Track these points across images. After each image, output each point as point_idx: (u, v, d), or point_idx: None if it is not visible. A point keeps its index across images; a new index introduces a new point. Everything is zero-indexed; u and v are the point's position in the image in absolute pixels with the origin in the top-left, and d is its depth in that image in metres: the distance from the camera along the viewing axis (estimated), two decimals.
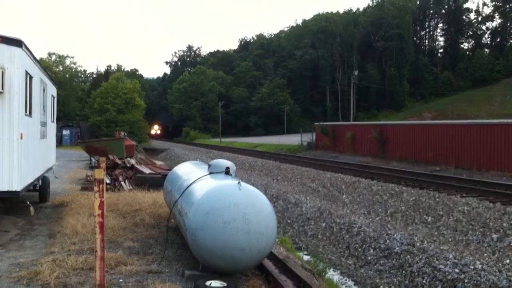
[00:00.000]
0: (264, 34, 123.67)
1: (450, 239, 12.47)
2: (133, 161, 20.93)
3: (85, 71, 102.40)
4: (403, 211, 15.63)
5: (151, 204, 12.40)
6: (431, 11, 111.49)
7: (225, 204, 6.45)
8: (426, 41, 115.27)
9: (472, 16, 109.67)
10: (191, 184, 7.88)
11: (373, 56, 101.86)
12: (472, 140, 24.59)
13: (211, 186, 6.98)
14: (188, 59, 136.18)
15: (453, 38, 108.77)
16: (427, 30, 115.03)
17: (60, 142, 50.08)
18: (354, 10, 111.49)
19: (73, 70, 78.86)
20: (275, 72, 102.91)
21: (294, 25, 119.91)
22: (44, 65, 17.53)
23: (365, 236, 13.86)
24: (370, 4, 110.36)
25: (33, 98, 10.97)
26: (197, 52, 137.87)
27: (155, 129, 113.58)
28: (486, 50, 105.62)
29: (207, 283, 6.15)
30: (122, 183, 16.94)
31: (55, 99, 16.75)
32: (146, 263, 7.55)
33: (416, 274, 11.01)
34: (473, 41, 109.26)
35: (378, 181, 20.67)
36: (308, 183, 23.11)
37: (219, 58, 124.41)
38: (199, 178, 7.94)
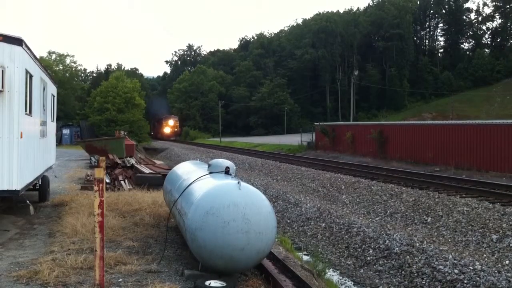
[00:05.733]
0: (264, 34, 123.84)
1: (449, 240, 12.47)
2: (133, 160, 20.92)
3: (85, 70, 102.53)
4: (402, 211, 15.63)
5: (150, 204, 12.40)
6: (431, 11, 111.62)
7: (225, 204, 6.45)
8: (426, 41, 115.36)
9: (473, 16, 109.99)
10: (190, 183, 7.88)
11: (373, 56, 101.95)
12: (472, 141, 24.59)
13: (210, 186, 6.98)
14: (188, 58, 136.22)
15: (453, 38, 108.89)
16: (427, 30, 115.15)
17: (60, 141, 50.11)
18: (355, 9, 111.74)
19: (73, 69, 78.84)
20: (275, 72, 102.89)
21: (295, 24, 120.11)
22: (44, 64, 17.51)
23: (364, 236, 13.87)
24: (371, 4, 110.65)
25: (33, 97, 10.96)
26: (197, 51, 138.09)
27: (171, 126, 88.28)
28: (486, 50, 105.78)
29: (207, 283, 6.16)
30: (122, 182, 16.94)
31: (55, 98, 16.74)
32: (145, 262, 7.55)
33: (415, 274, 11.01)
34: (473, 41, 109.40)
35: (378, 181, 20.67)
36: (308, 183, 23.11)
37: (219, 58, 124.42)
38: (198, 178, 7.94)
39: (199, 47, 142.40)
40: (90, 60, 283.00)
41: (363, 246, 13.42)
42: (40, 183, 13.38)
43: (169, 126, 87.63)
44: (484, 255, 10.98)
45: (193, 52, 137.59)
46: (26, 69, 9.89)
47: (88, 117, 60.25)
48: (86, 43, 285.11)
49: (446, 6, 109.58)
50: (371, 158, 32.45)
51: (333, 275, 12.05)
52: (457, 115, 69.95)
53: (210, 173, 8.13)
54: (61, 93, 52.73)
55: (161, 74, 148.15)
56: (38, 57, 12.30)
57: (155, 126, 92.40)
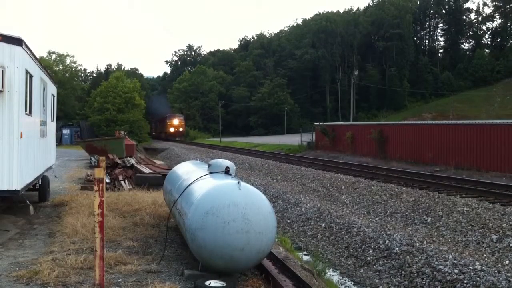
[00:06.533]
0: (264, 34, 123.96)
1: (449, 240, 12.47)
2: (133, 160, 20.91)
3: (85, 70, 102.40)
4: (402, 211, 15.63)
5: (150, 204, 12.40)
6: (431, 11, 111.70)
7: (225, 203, 6.45)
8: (426, 41, 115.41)
9: (473, 16, 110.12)
10: (190, 183, 7.88)
11: (373, 56, 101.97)
12: (472, 141, 24.59)
13: (210, 186, 6.98)
14: (188, 58, 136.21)
15: (453, 38, 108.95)
16: (427, 30, 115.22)
17: (60, 141, 50.10)
18: (355, 9, 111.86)
19: (73, 69, 78.74)
20: (275, 72, 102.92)
21: (295, 24, 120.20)
22: (44, 64, 17.52)
23: (364, 236, 13.87)
24: (371, 4, 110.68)
25: (33, 97, 10.96)
26: (197, 51, 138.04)
27: (175, 125, 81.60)
28: (486, 50, 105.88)
29: (207, 283, 6.16)
30: (122, 182, 16.94)
31: (55, 98, 16.75)
32: (145, 262, 7.55)
33: (415, 274, 11.02)
34: (473, 41, 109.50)
35: (378, 181, 20.68)
36: (308, 183, 23.11)
37: (219, 58, 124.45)
38: (198, 178, 7.94)
39: (199, 47, 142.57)
40: (90, 60, 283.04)
41: (363, 246, 13.42)
42: (40, 183, 13.38)
43: (174, 125, 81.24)
44: (484, 255, 10.98)
45: (193, 52, 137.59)
46: (26, 69, 9.89)
47: (88, 117, 60.27)
48: (86, 43, 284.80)
49: (446, 6, 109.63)
50: (371, 158, 32.45)
51: (333, 275, 12.05)
52: (457, 115, 69.92)
53: (210, 173, 8.13)
54: (61, 93, 52.72)
55: (161, 74, 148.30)
56: (38, 57, 12.30)
57: (158, 126, 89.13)
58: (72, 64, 77.59)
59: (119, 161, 19.75)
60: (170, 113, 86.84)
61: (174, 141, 74.09)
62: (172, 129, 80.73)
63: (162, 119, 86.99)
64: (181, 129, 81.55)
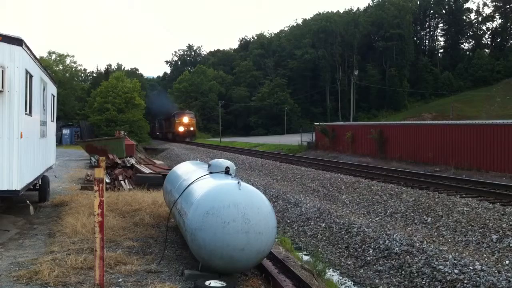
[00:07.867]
0: (264, 34, 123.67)
1: (449, 240, 12.47)
2: (133, 160, 20.92)
3: (85, 70, 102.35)
4: (402, 211, 15.63)
5: (150, 204, 12.41)
6: (432, 11, 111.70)
7: (225, 204, 6.45)
8: (426, 41, 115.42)
9: (473, 16, 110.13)
10: (190, 183, 7.88)
11: (373, 56, 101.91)
12: (472, 141, 24.58)
13: (210, 186, 6.98)
14: (188, 58, 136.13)
15: (453, 38, 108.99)
16: (427, 30, 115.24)
17: (60, 141, 50.10)
18: (355, 10, 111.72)
19: (73, 69, 78.89)
20: (275, 72, 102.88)
21: (295, 24, 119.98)
22: (44, 64, 17.55)
23: (364, 236, 13.87)
24: (371, 4, 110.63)
25: (33, 97, 10.97)
26: (197, 51, 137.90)
27: (185, 124, 71.73)
28: (486, 50, 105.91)
29: (207, 283, 6.16)
30: (122, 182, 16.95)
31: (55, 98, 16.76)
32: (145, 262, 7.56)
33: (415, 274, 11.02)
34: (473, 42, 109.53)
35: (378, 181, 20.67)
36: (308, 183, 23.10)
37: (219, 58, 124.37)
38: (198, 178, 7.94)
39: (199, 47, 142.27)
40: (90, 60, 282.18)
41: (363, 246, 13.42)
42: (40, 183, 13.39)
43: (184, 124, 71.22)
44: (484, 255, 10.98)
45: (193, 52, 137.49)
46: (26, 69, 9.90)
47: (88, 117, 60.28)
48: (86, 43, 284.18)
49: (446, 6, 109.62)
50: (371, 158, 32.44)
51: (333, 275, 12.05)
52: (457, 115, 69.93)
53: (210, 173, 8.14)
54: (61, 93, 52.80)
55: (161, 74, 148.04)
56: (38, 57, 12.31)
57: (164, 125, 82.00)
58: (72, 64, 77.82)
59: (119, 161, 19.75)
60: (179, 110, 77.87)
61: (184, 142, 66.66)
62: (181, 129, 71.24)
63: (168, 117, 77.58)
64: (191, 129, 72.05)
